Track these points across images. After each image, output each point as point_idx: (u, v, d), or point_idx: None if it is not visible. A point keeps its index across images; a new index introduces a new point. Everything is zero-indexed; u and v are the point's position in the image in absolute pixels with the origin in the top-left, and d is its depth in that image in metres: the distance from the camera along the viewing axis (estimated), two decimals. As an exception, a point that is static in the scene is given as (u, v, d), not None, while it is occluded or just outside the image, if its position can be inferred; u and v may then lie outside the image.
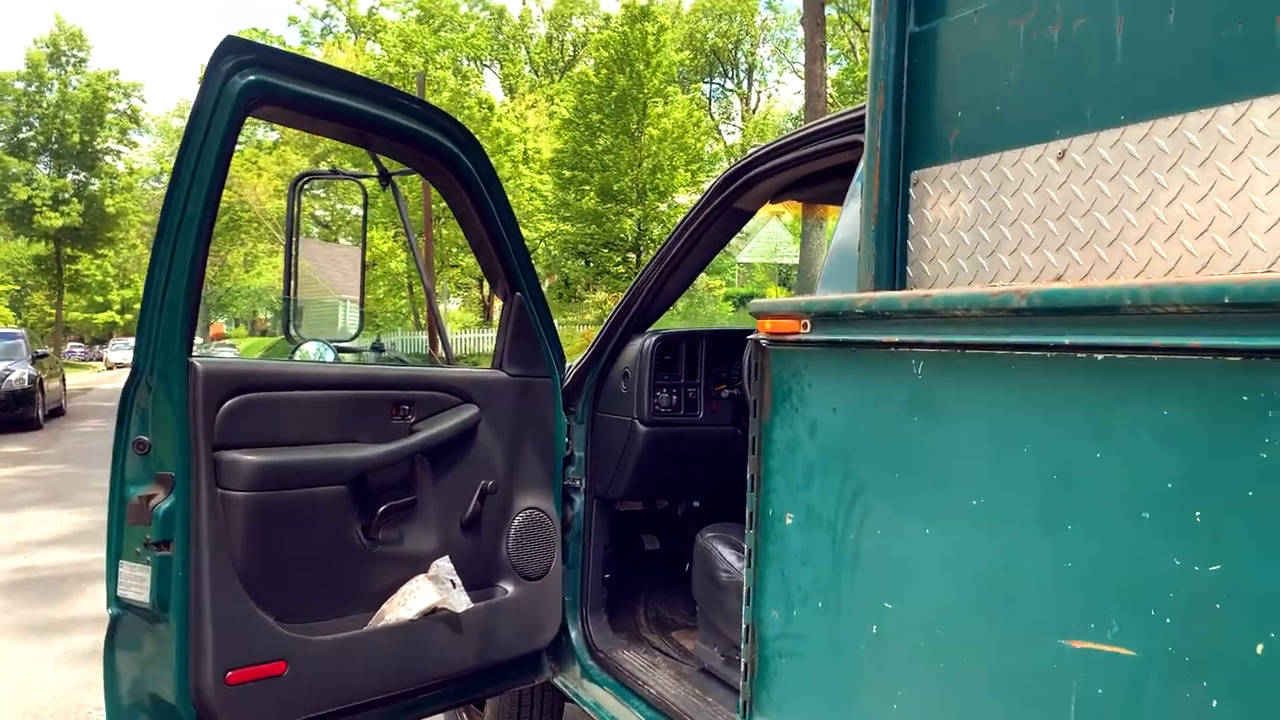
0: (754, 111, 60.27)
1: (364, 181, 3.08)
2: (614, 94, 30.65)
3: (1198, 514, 0.96)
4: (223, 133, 2.18)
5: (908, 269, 1.74)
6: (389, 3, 45.16)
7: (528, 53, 58.93)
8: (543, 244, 34.30)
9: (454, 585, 2.68)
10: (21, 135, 41.78)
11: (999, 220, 1.54)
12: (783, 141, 2.57)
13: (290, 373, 2.47)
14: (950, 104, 1.64)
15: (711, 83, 60.17)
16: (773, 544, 1.64)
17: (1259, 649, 0.90)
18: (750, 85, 61.33)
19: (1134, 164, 1.32)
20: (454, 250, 32.39)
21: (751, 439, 1.68)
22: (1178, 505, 0.98)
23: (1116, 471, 1.04)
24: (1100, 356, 1.06)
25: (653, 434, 3.04)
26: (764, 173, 2.65)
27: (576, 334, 25.68)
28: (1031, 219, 1.48)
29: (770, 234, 37.16)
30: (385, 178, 2.95)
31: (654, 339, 3.05)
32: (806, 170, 2.60)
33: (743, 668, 1.68)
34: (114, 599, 2.25)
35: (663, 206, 30.86)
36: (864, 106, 2.31)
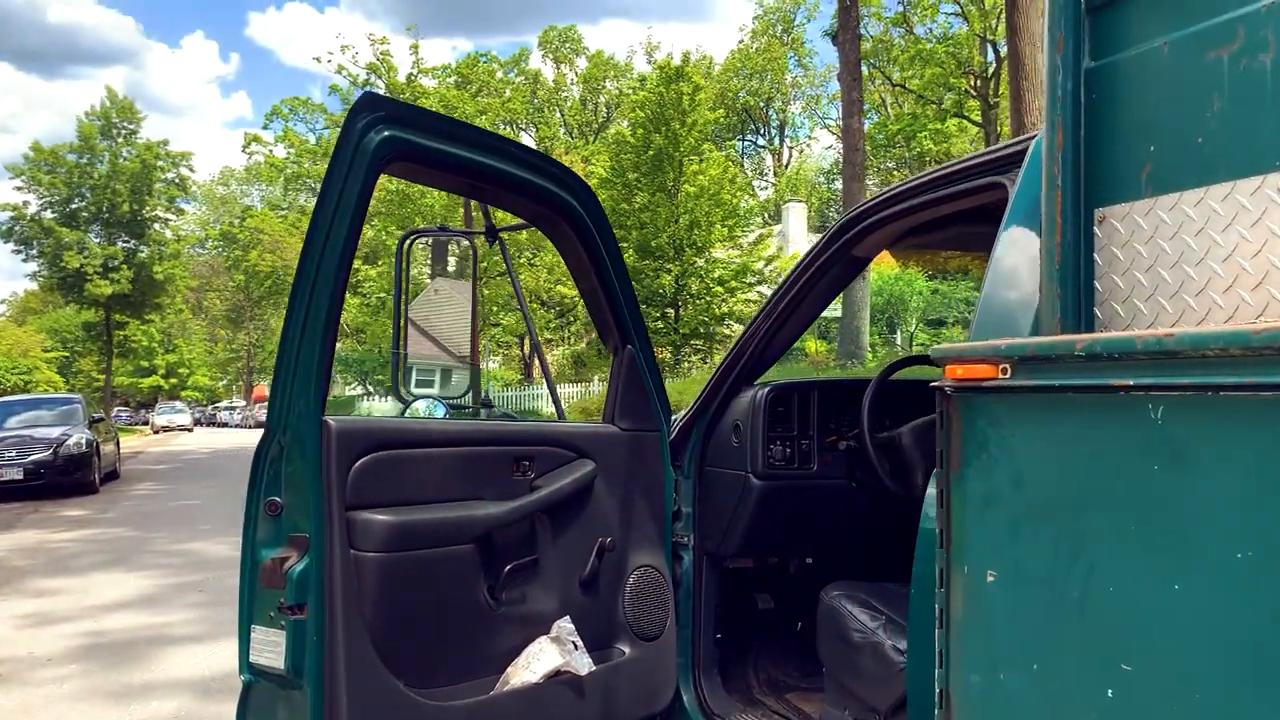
0: (786, 166, 60.66)
1: (474, 239, 3.06)
2: (650, 153, 30.92)
3: None
4: (358, 189, 2.16)
5: (1095, 310, 1.67)
6: (427, 70, 46.03)
7: (562, 115, 59.82)
8: (579, 301, 34.47)
9: (576, 647, 2.61)
10: (74, 205, 42.77)
11: (1207, 257, 1.47)
12: (908, 186, 2.53)
13: (417, 429, 2.43)
14: (1139, 139, 1.58)
15: (744, 139, 60.72)
16: (969, 603, 1.55)
17: None
18: (782, 141, 61.80)
19: (1380, 193, 1.25)
20: (494, 309, 32.61)
21: (939, 493, 1.61)
22: None
23: None
24: (1405, 394, 0.99)
25: (767, 488, 2.96)
26: (886, 219, 2.60)
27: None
28: (1249, 255, 1.41)
29: (809, 287, 37.10)
30: (492, 233, 2.93)
31: (767, 390, 2.99)
32: (930, 216, 2.54)
33: (937, 734, 1.59)
34: (245, 665, 2.20)
35: (700, 262, 30.91)
36: (1003, 147, 2.27)
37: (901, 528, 3.09)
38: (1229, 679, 1.16)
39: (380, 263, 38.31)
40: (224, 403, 65.54)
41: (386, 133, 2.20)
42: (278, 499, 2.19)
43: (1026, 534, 1.45)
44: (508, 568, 2.49)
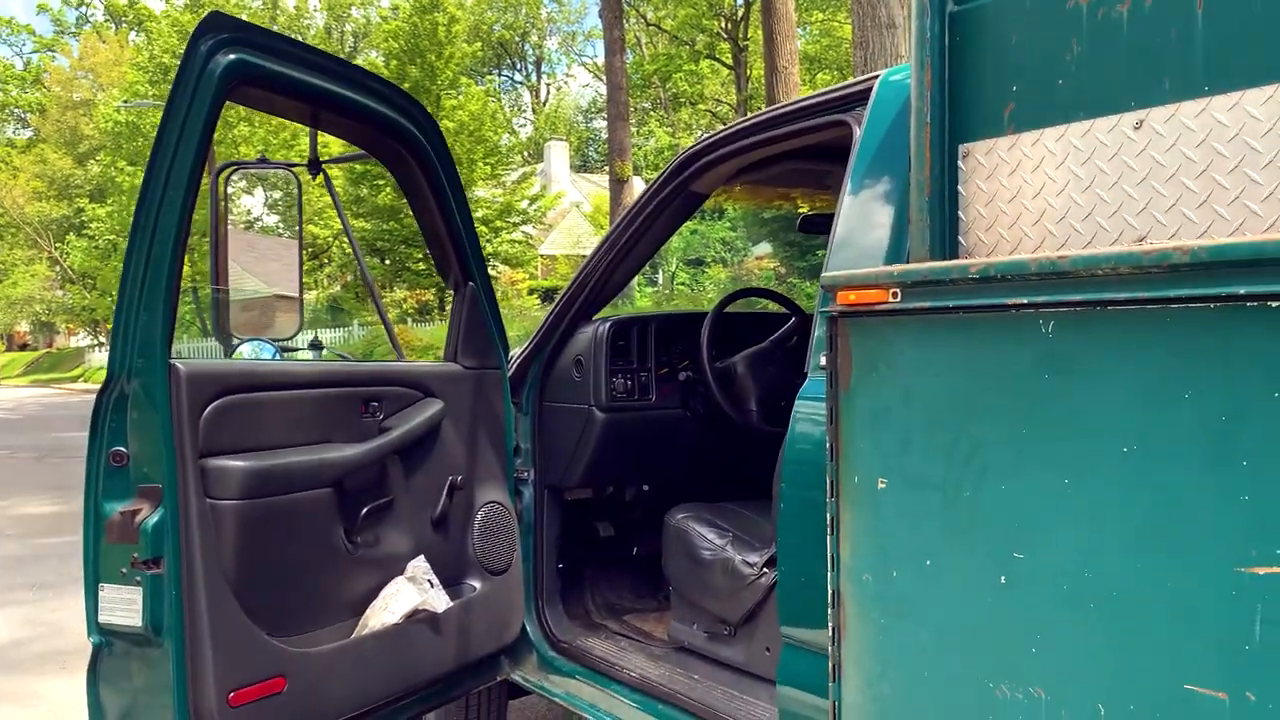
0: (544, 104, 60.30)
1: (295, 171, 2.90)
2: (406, 86, 29.83)
3: (1397, 439, 1.07)
4: (204, 115, 2.01)
5: (960, 238, 1.82)
6: (152, -11, 42.25)
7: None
8: (336, 242, 33.12)
9: (431, 585, 2.60)
10: None
11: (1068, 188, 1.64)
12: (750, 123, 2.62)
13: (268, 372, 2.32)
14: (1002, 79, 1.73)
15: (500, 75, 59.74)
16: (859, 510, 1.68)
17: None
18: (539, 77, 61.30)
19: (1223, 131, 1.44)
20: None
21: (829, 410, 1.71)
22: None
23: (1303, 407, 1.14)
24: (1275, 304, 1.16)
25: (610, 420, 3.03)
26: (726, 155, 2.68)
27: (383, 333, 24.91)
28: (1107, 185, 1.59)
29: (572, 225, 37.37)
30: (316, 166, 2.79)
31: (608, 325, 3.04)
32: (770, 153, 2.65)
33: (831, 633, 1.71)
34: (95, 626, 2.05)
35: (463, 200, 30.39)
36: (845, 86, 2.39)
37: (733, 450, 3.26)
38: (1109, 559, 1.33)
39: (109, 200, 35.07)
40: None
41: (233, 56, 2.05)
42: (123, 449, 2.03)
43: (917, 444, 1.58)
44: (364, 510, 2.43)
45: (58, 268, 43.92)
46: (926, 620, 1.58)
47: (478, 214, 29.69)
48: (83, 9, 50.47)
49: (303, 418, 2.35)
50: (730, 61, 40.95)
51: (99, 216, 35.61)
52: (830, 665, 1.73)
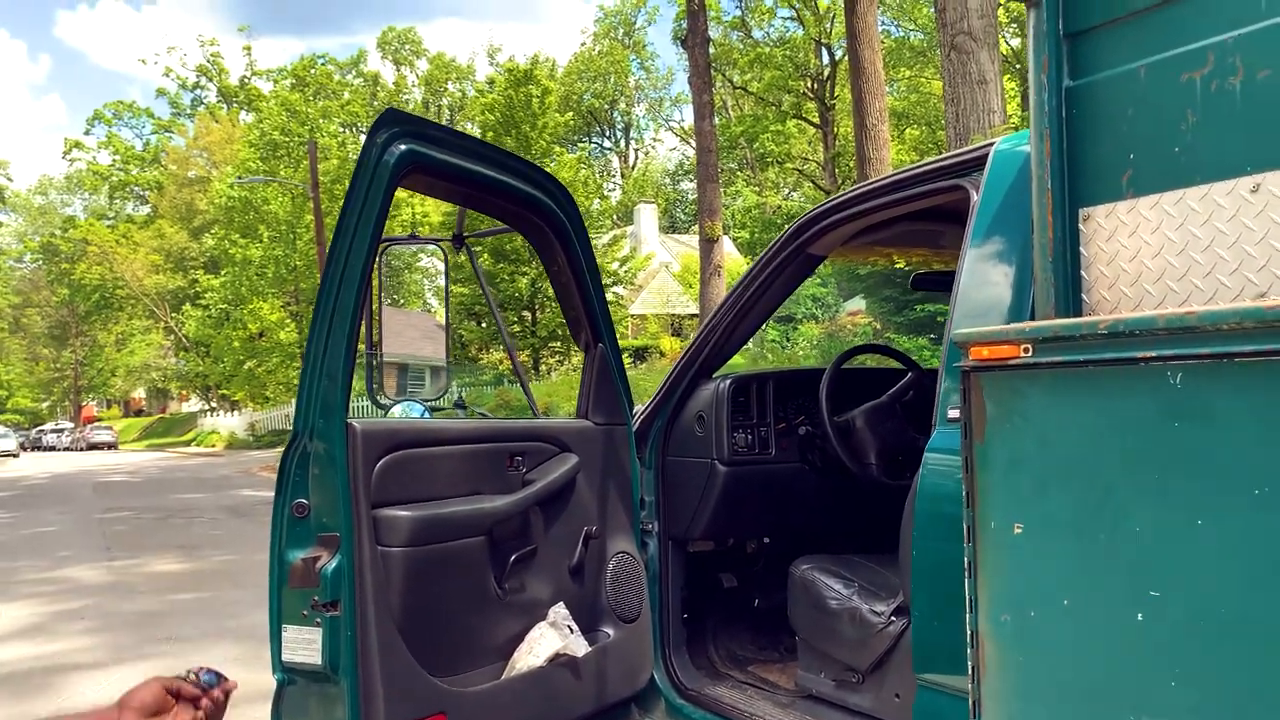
0: (632, 168, 61.43)
1: (443, 245, 3.14)
2: (502, 156, 30.86)
3: None
4: (380, 201, 2.24)
5: (1083, 296, 1.93)
6: (261, 73, 44.53)
7: (404, 117, 58.77)
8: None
9: (571, 631, 2.74)
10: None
11: (1188, 248, 1.74)
12: (867, 188, 2.76)
13: (429, 430, 2.53)
14: (1119, 147, 1.85)
15: (591, 141, 61.14)
16: (996, 553, 1.78)
17: None
18: (627, 143, 62.57)
19: (1339, 193, 1.54)
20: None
21: (965, 459, 1.83)
22: None
23: None
24: (1398, 353, 1.25)
25: (732, 474, 3.16)
26: (843, 219, 2.83)
27: (485, 393, 25.48)
28: (1226, 245, 1.69)
29: (661, 285, 37.79)
30: (460, 240, 3.03)
31: (729, 382, 3.19)
32: (887, 216, 2.79)
33: (970, 671, 1.81)
34: (279, 664, 2.24)
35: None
36: (963, 153, 2.53)
37: (852, 503, 3.36)
38: (1239, 596, 1.41)
39: (223, 271, 36.76)
40: (49, 425, 61.33)
41: (404, 147, 2.28)
42: (305, 500, 2.24)
43: (1052, 489, 1.68)
44: (513, 558, 2.60)
45: (173, 336, 46.04)
46: (1064, 656, 1.67)
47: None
48: (197, 91, 53.46)
49: (459, 471, 2.54)
50: (817, 120, 41.26)
51: (213, 287, 37.36)
52: (970, 702, 1.82)
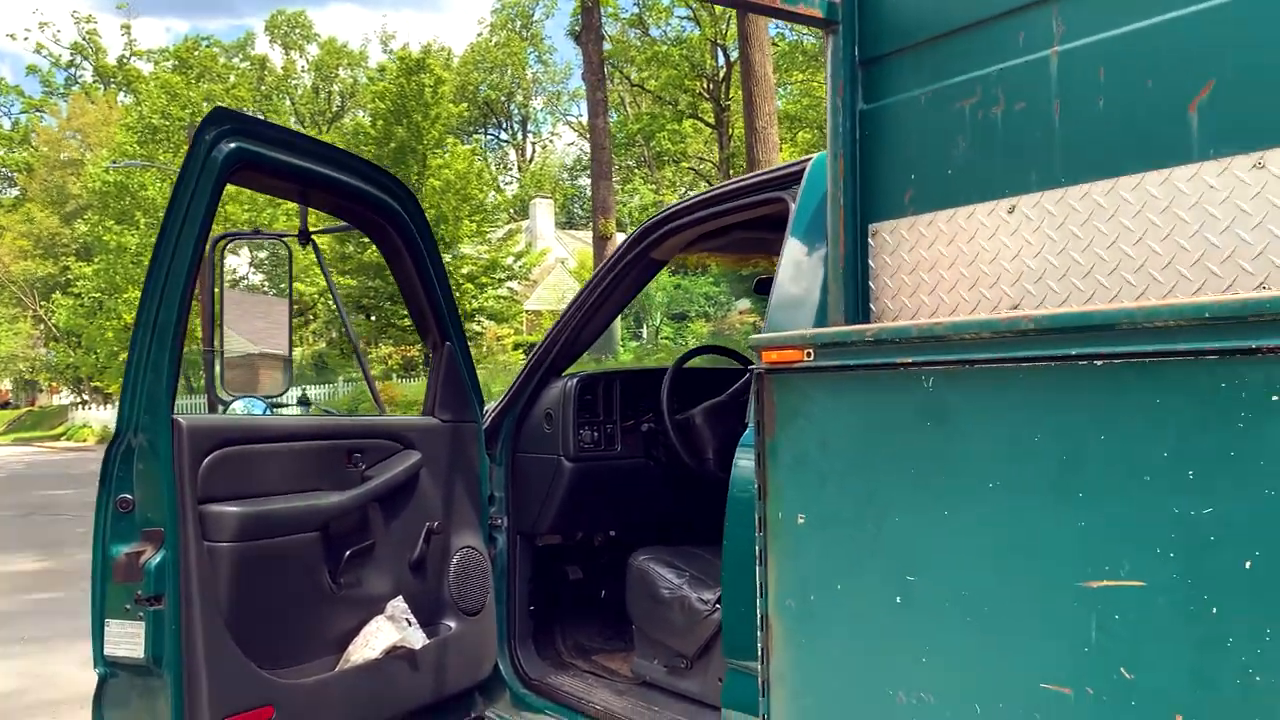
0: (530, 162, 61.12)
1: (287, 241, 3.15)
2: (393, 145, 30.41)
3: (1190, 473, 1.31)
4: (206, 198, 2.26)
5: (870, 305, 2.08)
6: (142, 53, 42.86)
7: (293, 103, 57.37)
8: (321, 299, 33.39)
9: (409, 623, 2.80)
10: None
11: (956, 262, 1.90)
12: (703, 198, 2.89)
13: (260, 426, 2.55)
14: (903, 169, 2.00)
15: (486, 134, 60.61)
16: (784, 542, 1.91)
17: (1247, 564, 1.26)
18: (525, 136, 62.21)
19: (1076, 216, 1.71)
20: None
21: (757, 455, 1.95)
22: (1173, 466, 1.33)
23: (1121, 446, 1.38)
24: (1100, 363, 1.41)
25: (578, 469, 3.26)
26: (683, 225, 2.95)
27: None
28: (986, 261, 1.85)
29: (557, 281, 37.75)
30: (305, 237, 3.05)
31: (575, 381, 3.28)
32: (721, 224, 2.92)
33: (760, 653, 1.94)
34: (101, 659, 2.25)
35: (448, 257, 30.74)
36: (783, 168, 2.67)
37: (693, 497, 3.49)
38: (980, 578, 1.57)
39: (96, 259, 35.30)
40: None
41: (233, 144, 2.31)
42: (129, 496, 2.25)
43: (830, 484, 1.82)
44: (347, 553, 2.65)
45: (42, 326, 44.04)
46: (838, 638, 1.81)
47: (463, 270, 30.05)
48: (72, 70, 51.22)
49: (292, 468, 2.57)
50: (713, 120, 41.71)
51: (85, 275, 35.84)
52: (760, 682, 1.95)
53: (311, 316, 35.58)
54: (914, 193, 1.98)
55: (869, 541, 1.75)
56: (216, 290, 3.01)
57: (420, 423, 3.01)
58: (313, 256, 3.09)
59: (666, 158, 44.77)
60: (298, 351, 37.56)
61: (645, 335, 31.79)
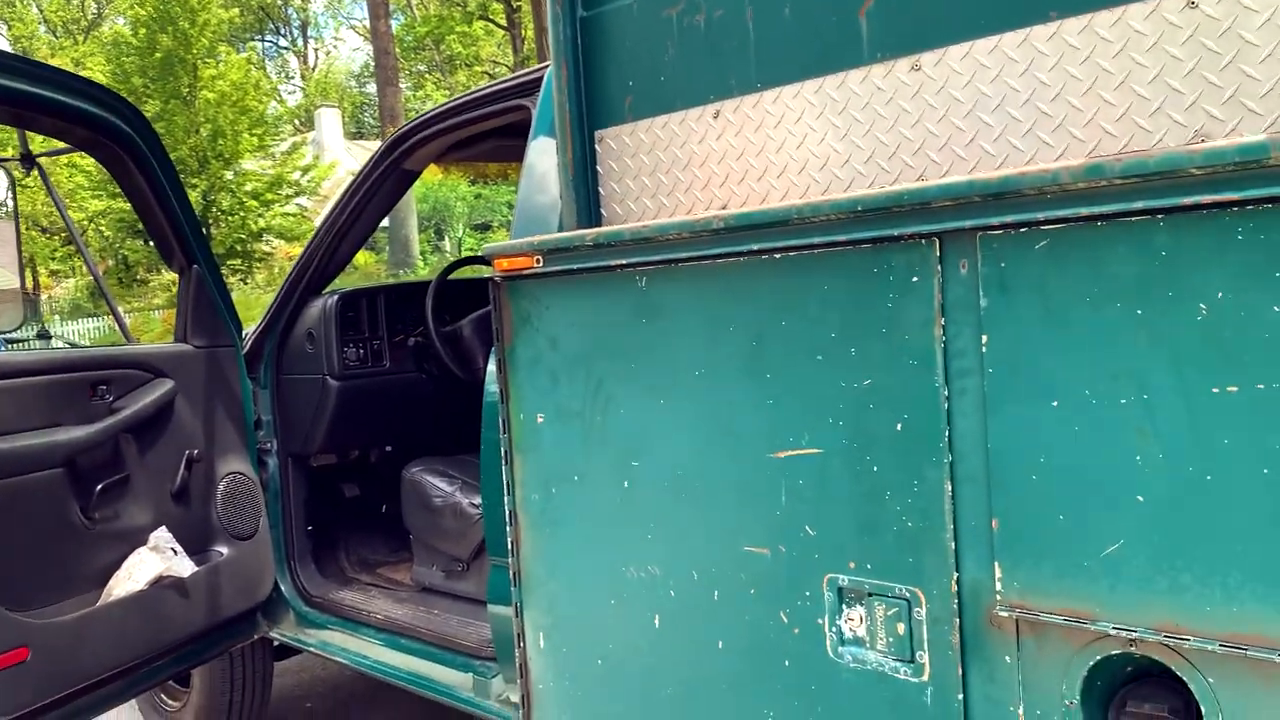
0: (313, 69, 57.95)
1: (8, 166, 2.94)
2: (158, 55, 28.20)
3: (853, 350, 1.48)
4: None
5: (601, 210, 2.16)
6: None
7: (40, 11, 52.01)
8: (93, 225, 31.01)
9: (175, 553, 2.77)
10: None
11: (673, 167, 2.00)
12: (449, 106, 2.88)
13: None
14: (622, 75, 2.07)
15: (264, 40, 56.92)
16: (525, 441, 2.00)
17: (898, 426, 1.44)
18: (306, 42, 58.80)
19: (770, 119, 1.83)
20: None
21: (498, 360, 2.03)
22: (839, 344, 1.49)
23: (798, 329, 1.53)
24: (778, 256, 1.55)
25: (344, 388, 3.25)
26: (431, 135, 2.94)
27: (154, 319, 23.70)
28: (697, 164, 1.96)
29: (349, 197, 36.33)
30: (29, 160, 2.86)
31: (335, 298, 3.25)
32: (470, 133, 2.93)
33: (510, 546, 2.04)
34: None
35: (229, 175, 29.02)
36: (525, 74, 2.70)
37: (466, 406, 3.55)
38: (692, 457, 1.71)
39: None
40: None
41: None
42: None
43: (563, 383, 1.92)
44: (99, 487, 2.57)
45: None
46: (576, 525, 1.93)
47: (246, 188, 28.49)
48: None
49: (28, 404, 2.46)
50: (504, 22, 40.60)
51: None
52: (511, 574, 2.06)
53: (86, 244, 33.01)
54: (633, 99, 2.05)
55: (599, 434, 1.87)
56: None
57: (171, 350, 2.93)
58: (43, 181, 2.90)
59: (459, 61, 43.41)
60: (70, 282, 34.91)
61: (448, 245, 31.20)
